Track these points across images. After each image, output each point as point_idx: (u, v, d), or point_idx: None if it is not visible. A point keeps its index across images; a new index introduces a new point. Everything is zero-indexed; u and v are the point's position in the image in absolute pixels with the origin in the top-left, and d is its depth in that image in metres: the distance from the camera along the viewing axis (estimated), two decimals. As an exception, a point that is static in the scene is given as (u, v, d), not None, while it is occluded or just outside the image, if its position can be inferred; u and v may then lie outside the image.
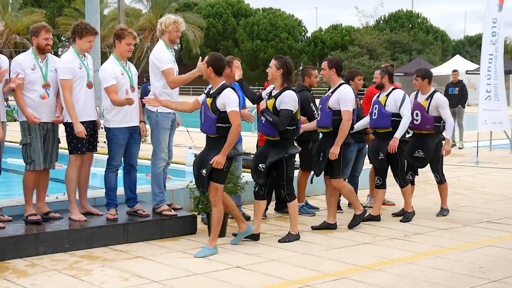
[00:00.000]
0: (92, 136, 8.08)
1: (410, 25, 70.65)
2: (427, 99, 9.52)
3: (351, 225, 8.86)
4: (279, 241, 7.99)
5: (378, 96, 9.33)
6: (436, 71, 52.93)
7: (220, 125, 7.27)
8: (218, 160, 7.20)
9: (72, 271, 6.77)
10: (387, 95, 9.16)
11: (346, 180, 9.26)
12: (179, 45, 62.86)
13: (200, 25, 62.21)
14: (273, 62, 7.93)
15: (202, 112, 7.46)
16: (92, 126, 8.00)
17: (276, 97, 7.82)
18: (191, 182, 9.03)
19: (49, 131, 7.86)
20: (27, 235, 7.33)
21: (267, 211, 9.44)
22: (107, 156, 8.18)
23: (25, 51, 8.17)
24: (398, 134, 8.97)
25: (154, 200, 8.48)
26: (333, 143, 8.41)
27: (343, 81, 8.68)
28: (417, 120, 9.51)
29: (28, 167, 7.71)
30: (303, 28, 76.68)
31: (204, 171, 7.33)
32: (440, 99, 9.52)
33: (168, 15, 8.67)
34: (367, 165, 11.03)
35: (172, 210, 8.43)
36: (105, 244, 7.71)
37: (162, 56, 8.22)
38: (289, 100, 7.74)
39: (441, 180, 9.80)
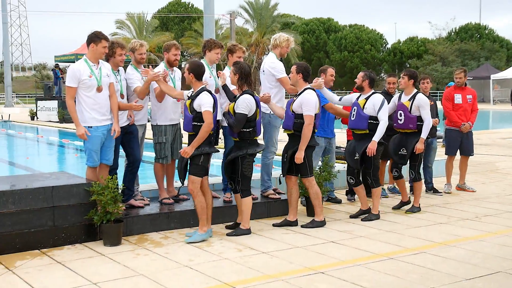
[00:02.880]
0: (216, 133, 8.21)
1: (478, 36, 68.06)
2: (409, 99, 8.60)
3: (305, 226, 7.70)
4: (227, 234, 7.27)
5: (358, 98, 8.29)
6: (501, 75, 51.12)
7: (196, 123, 6.90)
8: (186, 151, 6.85)
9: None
10: (366, 98, 8.13)
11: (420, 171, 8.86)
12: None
13: (296, 41, 62.23)
14: (232, 68, 7.33)
15: (183, 112, 7.13)
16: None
17: (235, 101, 7.19)
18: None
19: (178, 130, 8.10)
20: (161, 214, 7.57)
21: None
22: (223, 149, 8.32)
23: (156, 65, 8.37)
24: (376, 138, 7.97)
25: (263, 186, 8.58)
26: (295, 145, 7.58)
27: (308, 86, 7.73)
28: (401, 120, 8.65)
29: (161, 161, 7.96)
30: (384, 40, 75.31)
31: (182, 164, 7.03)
32: (422, 100, 8.56)
33: (281, 33, 8.78)
34: (439, 156, 10.82)
35: (276, 194, 8.50)
36: (222, 222, 7.85)
37: (278, 66, 8.30)
38: (242, 104, 7.04)
39: (415, 177, 8.79)
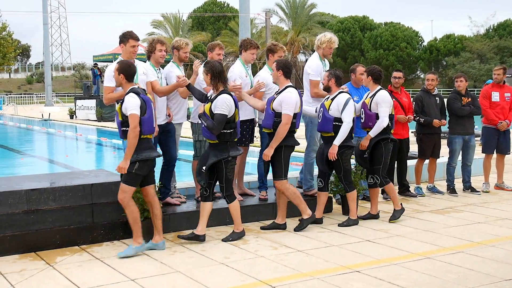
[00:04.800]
0: (251, 132, 8.26)
1: (518, 33, 66.77)
2: (371, 96, 7.99)
3: (297, 229, 7.39)
4: (223, 240, 6.95)
5: (326, 99, 7.73)
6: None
7: (125, 129, 6.30)
8: (121, 166, 6.21)
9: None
10: (332, 99, 7.55)
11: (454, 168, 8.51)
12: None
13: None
14: (203, 69, 6.86)
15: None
16: (248, 124, 8.16)
17: (212, 101, 6.69)
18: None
19: None
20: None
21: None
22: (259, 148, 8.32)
23: (189, 64, 8.40)
24: (337, 141, 7.43)
25: (305, 185, 8.55)
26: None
27: (290, 84, 7.29)
28: (362, 119, 8.02)
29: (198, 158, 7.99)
30: (420, 38, 74.31)
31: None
32: (380, 96, 7.85)
33: (326, 33, 8.65)
34: (478, 154, 10.64)
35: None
36: (258, 220, 7.86)
37: (312, 67, 8.26)
38: (222, 105, 6.56)
39: (375, 183, 8.00)
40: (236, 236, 6.97)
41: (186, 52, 7.89)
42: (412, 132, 10.21)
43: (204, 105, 6.76)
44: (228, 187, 6.83)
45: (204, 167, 6.74)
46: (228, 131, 6.68)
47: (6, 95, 64.22)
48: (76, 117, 33.45)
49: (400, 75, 9.51)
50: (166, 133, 7.69)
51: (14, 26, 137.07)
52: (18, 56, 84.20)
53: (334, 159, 7.51)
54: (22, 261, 6.16)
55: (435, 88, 9.82)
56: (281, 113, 7.13)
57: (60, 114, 37.22)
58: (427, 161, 10.05)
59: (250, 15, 23.11)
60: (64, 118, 34.07)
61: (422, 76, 71.09)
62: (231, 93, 6.80)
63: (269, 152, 7.19)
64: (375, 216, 8.05)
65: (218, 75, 6.72)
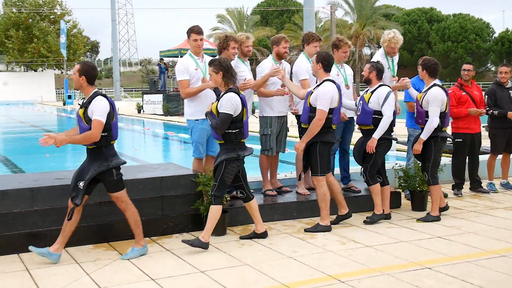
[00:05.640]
0: None
1: None
2: (424, 92, 7.67)
3: (309, 230, 7.08)
4: (182, 240, 6.41)
5: (366, 92, 7.54)
6: None
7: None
8: (59, 138, 5.76)
9: (300, 235, 6.96)
10: (372, 92, 7.38)
11: None
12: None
13: (398, 32, 60.71)
14: (209, 69, 6.46)
15: (77, 123, 6.02)
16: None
17: (219, 99, 6.40)
18: (396, 163, 8.95)
19: (284, 123, 8.13)
20: (265, 205, 7.64)
21: (462, 190, 9.16)
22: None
23: (255, 59, 8.38)
24: (376, 135, 7.26)
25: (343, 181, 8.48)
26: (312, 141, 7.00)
27: (328, 78, 7.01)
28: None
29: (266, 152, 8.02)
30: (490, 29, 72.05)
31: (81, 184, 5.87)
32: (432, 94, 7.49)
33: (391, 30, 8.46)
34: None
35: (356, 188, 8.35)
36: (332, 214, 7.80)
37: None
38: (226, 103, 6.22)
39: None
40: (198, 243, 6.27)
41: (248, 46, 7.91)
42: (483, 126, 9.91)
43: (211, 104, 6.48)
44: (220, 187, 6.39)
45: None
46: (233, 131, 6.33)
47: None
48: (143, 111, 34.15)
49: (470, 68, 9.24)
50: None
51: (83, 23, 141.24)
52: (88, 53, 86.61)
53: (373, 152, 7.34)
54: (96, 251, 6.35)
55: (509, 81, 9.50)
56: (316, 108, 6.89)
57: (128, 108, 38.06)
58: (500, 156, 9.75)
59: (314, 8, 22.99)
60: (132, 112, 34.85)
61: (493, 69, 68.97)
62: (238, 91, 6.43)
63: (299, 146, 6.95)
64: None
65: (229, 72, 6.39)
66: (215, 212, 6.39)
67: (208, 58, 7.39)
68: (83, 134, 5.76)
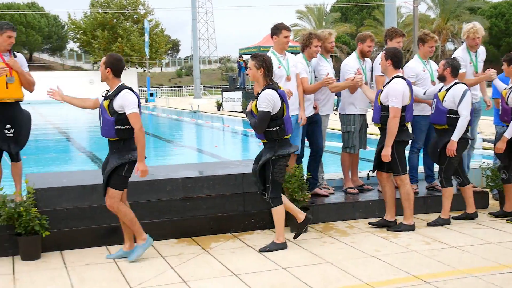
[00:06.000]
0: None
1: None
2: (510, 88, 7.28)
3: (392, 229, 6.94)
4: (260, 250, 6.22)
5: (441, 89, 7.17)
6: None
7: (119, 127, 5.79)
8: (143, 170, 5.79)
9: (383, 234, 6.86)
10: (447, 90, 7.00)
11: None
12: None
13: (484, 26, 58.61)
14: (251, 63, 6.18)
15: (100, 115, 5.93)
16: None
17: (257, 98, 6.16)
18: (483, 162, 8.67)
19: (365, 120, 8.04)
20: (346, 203, 7.58)
21: None
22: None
23: (334, 55, 8.27)
24: (455, 137, 6.89)
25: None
26: (383, 140, 6.79)
27: (398, 74, 6.80)
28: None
29: (348, 150, 7.94)
30: None
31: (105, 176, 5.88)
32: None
33: (472, 23, 8.19)
34: None
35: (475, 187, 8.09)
36: (416, 213, 7.63)
37: (459, 57, 7.81)
38: (264, 101, 5.99)
39: (508, 178, 7.35)
40: (274, 247, 6.22)
41: (331, 42, 7.85)
42: None
43: (251, 103, 6.27)
44: (274, 189, 6.19)
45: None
46: (274, 128, 6.09)
47: (158, 87, 67.93)
48: (223, 108, 34.57)
49: None
50: (314, 123, 7.72)
51: (165, 22, 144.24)
52: (169, 51, 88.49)
53: (454, 155, 7.00)
54: (179, 245, 6.48)
55: None
56: (388, 106, 6.70)
57: (208, 105, 38.65)
58: None
59: (396, 3, 22.58)
60: (212, 109, 35.34)
61: None
62: (276, 87, 6.17)
63: (386, 152, 6.72)
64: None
65: (270, 71, 6.19)
66: (279, 213, 6.26)
67: (290, 55, 7.37)
68: (138, 142, 5.73)
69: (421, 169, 8.32)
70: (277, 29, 7.26)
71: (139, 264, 5.85)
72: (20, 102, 6.75)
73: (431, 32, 8.09)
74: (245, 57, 39.50)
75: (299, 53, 7.69)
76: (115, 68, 5.87)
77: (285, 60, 7.27)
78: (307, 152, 7.82)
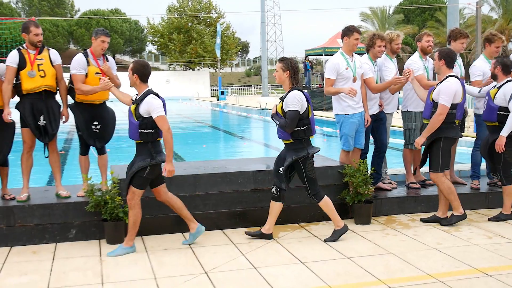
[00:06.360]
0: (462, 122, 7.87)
1: None
2: (498, 87, 6.91)
3: (445, 223, 6.73)
4: (326, 240, 6.20)
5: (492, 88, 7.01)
6: None
7: (142, 131, 5.75)
8: (170, 170, 5.77)
9: (444, 227, 6.70)
10: (499, 88, 6.83)
11: None
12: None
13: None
14: (278, 65, 6.09)
15: (128, 118, 5.91)
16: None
17: (283, 99, 6.04)
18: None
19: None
20: (408, 197, 7.44)
21: None
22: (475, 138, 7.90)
23: (397, 56, 8.09)
24: (504, 132, 6.69)
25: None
26: (431, 137, 6.64)
27: (452, 74, 6.61)
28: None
29: (409, 146, 7.81)
30: None
31: (128, 175, 5.88)
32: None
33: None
34: None
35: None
36: (470, 208, 7.48)
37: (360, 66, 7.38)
38: (292, 101, 5.89)
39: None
40: (337, 235, 6.22)
41: (398, 44, 7.73)
42: None
43: (276, 105, 6.17)
44: (312, 186, 6.14)
45: (281, 169, 6.16)
46: (301, 128, 6.00)
47: (229, 86, 68.56)
48: (289, 106, 34.43)
49: None
50: (378, 121, 7.62)
51: (235, 25, 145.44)
52: (239, 52, 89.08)
53: (502, 151, 6.77)
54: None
55: None
56: (438, 103, 6.55)
57: (275, 103, 38.66)
58: None
59: (459, 5, 21.95)
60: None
61: None
62: (301, 89, 6.06)
63: (420, 141, 6.63)
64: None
65: (296, 74, 6.08)
66: (327, 204, 6.21)
67: (357, 57, 7.29)
68: (166, 143, 5.71)
69: (483, 165, 8.10)
70: (349, 31, 7.14)
71: (212, 250, 5.94)
72: (106, 101, 6.94)
73: (498, 33, 7.86)
74: (311, 57, 39.37)
75: (364, 53, 7.61)
76: (142, 74, 5.85)
77: (353, 62, 7.18)
78: (371, 148, 7.74)
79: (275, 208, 6.30)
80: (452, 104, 6.53)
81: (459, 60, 7.87)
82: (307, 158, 6.08)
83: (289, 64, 6.05)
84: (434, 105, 6.62)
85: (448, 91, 6.49)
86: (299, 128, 6.00)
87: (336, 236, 6.22)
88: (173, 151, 5.79)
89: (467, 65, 20.43)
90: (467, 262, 5.44)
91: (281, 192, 6.23)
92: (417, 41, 7.86)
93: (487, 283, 4.92)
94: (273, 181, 6.29)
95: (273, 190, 6.24)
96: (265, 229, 6.35)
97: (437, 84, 6.74)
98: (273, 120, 6.14)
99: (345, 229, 6.25)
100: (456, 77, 6.67)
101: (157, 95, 5.84)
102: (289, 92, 6.02)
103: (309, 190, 6.16)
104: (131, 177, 5.84)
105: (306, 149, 6.05)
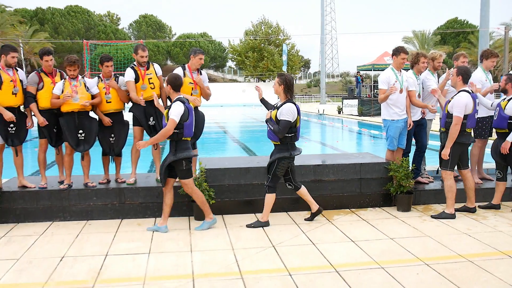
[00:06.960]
0: (489, 126, 7.54)
1: None
2: (508, 99, 6.59)
3: (436, 217, 6.37)
4: (247, 225, 6.06)
5: (503, 100, 6.70)
6: None
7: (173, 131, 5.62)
8: (139, 143, 5.67)
9: (473, 216, 6.47)
10: (509, 100, 6.57)
11: None
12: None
13: None
14: (276, 79, 5.92)
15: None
16: (487, 120, 7.45)
17: (278, 108, 5.84)
18: None
19: None
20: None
21: None
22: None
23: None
24: (509, 138, 6.45)
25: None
26: (445, 141, 6.35)
27: (464, 89, 6.32)
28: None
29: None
30: None
31: (163, 169, 5.77)
32: None
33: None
34: None
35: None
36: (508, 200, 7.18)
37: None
38: (287, 112, 5.73)
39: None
40: (258, 224, 6.07)
41: (440, 62, 7.50)
42: None
43: (271, 112, 5.97)
44: (272, 180, 5.98)
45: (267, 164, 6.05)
46: (289, 135, 5.86)
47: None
48: (342, 112, 34.08)
49: None
50: (420, 126, 7.42)
51: (299, 45, 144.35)
52: (302, 67, 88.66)
53: (506, 153, 6.52)
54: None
55: None
56: (452, 114, 6.29)
57: (331, 110, 38.26)
58: None
59: (489, 29, 21.03)
60: (334, 113, 34.95)
61: None
62: (294, 101, 5.89)
63: (445, 152, 6.32)
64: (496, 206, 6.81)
65: (289, 87, 5.90)
66: (270, 199, 6.04)
67: (404, 72, 7.14)
68: (161, 131, 5.62)
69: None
70: (398, 51, 7.05)
71: (279, 228, 5.98)
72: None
73: (493, 50, 7.59)
74: (362, 72, 38.72)
75: (408, 69, 7.43)
76: (173, 85, 5.78)
77: (401, 76, 7.06)
78: (413, 148, 7.55)
79: (269, 199, 6.08)
80: (464, 115, 6.31)
81: (489, 76, 7.55)
82: (287, 158, 5.96)
83: (284, 79, 5.92)
84: (449, 115, 6.40)
85: (459, 104, 6.24)
86: (288, 135, 5.88)
87: (256, 225, 6.04)
88: (157, 141, 5.78)
89: (493, 79, 19.56)
90: (492, 245, 5.23)
91: (294, 183, 6.18)
92: (454, 60, 7.60)
93: (510, 264, 4.72)
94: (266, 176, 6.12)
95: (266, 182, 6.08)
96: (261, 218, 6.20)
97: (452, 97, 6.49)
98: (267, 124, 5.97)
99: (266, 224, 6.05)
100: (468, 91, 6.39)
101: (183, 102, 5.69)
102: (284, 103, 5.87)
103: (267, 180, 6.02)
104: (168, 169, 5.76)
105: (290, 151, 5.93)
